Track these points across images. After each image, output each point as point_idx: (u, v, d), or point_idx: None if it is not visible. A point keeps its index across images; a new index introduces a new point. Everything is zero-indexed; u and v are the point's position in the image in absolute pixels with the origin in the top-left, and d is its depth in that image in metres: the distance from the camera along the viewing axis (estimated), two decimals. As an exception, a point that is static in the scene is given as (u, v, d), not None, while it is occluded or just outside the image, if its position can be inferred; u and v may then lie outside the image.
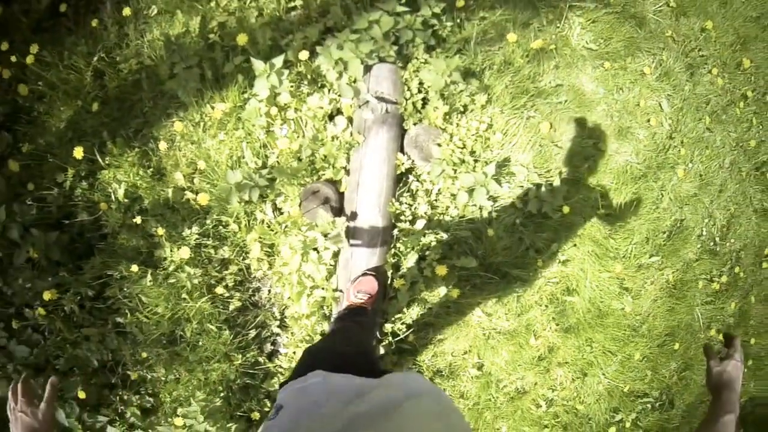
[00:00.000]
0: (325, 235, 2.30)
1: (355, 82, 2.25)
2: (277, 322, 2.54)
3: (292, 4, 2.49)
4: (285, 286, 2.46)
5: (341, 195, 2.36)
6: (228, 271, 2.46)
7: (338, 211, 2.32)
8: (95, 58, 2.47)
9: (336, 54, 2.16)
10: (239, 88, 2.35)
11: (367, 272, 2.31)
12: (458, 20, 2.48)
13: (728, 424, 0.96)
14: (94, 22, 2.56)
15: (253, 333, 2.52)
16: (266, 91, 2.18)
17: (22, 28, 2.62)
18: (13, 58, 2.42)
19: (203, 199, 2.31)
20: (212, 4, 2.47)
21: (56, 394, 1.21)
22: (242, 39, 2.25)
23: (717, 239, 3.01)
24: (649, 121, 2.78)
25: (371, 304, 2.25)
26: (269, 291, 2.56)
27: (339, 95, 2.30)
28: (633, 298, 2.76)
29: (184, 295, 2.38)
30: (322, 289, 2.38)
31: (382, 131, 2.26)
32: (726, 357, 1.10)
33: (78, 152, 2.31)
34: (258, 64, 2.15)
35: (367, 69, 2.31)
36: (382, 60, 2.31)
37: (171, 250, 2.35)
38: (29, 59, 2.43)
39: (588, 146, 2.65)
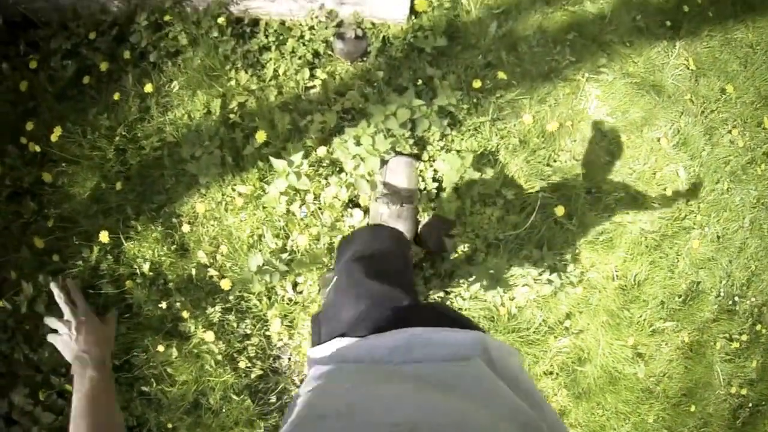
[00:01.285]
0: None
1: (372, 174, 2.27)
2: (298, 389, 2.61)
3: (311, 83, 2.51)
4: (304, 357, 2.54)
5: (358, 282, 2.40)
6: (249, 341, 2.54)
7: (355, 296, 2.37)
8: (117, 138, 2.53)
9: (353, 150, 2.17)
10: (259, 173, 2.39)
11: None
12: (474, 100, 2.48)
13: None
14: (116, 96, 2.61)
15: (274, 399, 2.61)
16: (285, 184, 2.21)
17: (47, 98, 2.69)
18: (37, 148, 2.50)
19: (226, 284, 2.38)
20: (232, 83, 2.50)
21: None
22: (261, 137, 2.27)
23: (736, 298, 3.00)
24: (665, 189, 2.77)
25: None
26: (289, 359, 2.64)
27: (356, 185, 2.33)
28: (647, 363, 2.79)
29: (207, 367, 2.48)
30: (340, 362, 2.44)
31: (397, 225, 2.28)
32: None
33: (104, 236, 2.39)
34: (277, 164, 2.17)
35: (384, 161, 2.33)
36: (398, 153, 2.33)
37: (195, 328, 2.43)
38: (54, 137, 2.50)
39: (603, 220, 2.66)
